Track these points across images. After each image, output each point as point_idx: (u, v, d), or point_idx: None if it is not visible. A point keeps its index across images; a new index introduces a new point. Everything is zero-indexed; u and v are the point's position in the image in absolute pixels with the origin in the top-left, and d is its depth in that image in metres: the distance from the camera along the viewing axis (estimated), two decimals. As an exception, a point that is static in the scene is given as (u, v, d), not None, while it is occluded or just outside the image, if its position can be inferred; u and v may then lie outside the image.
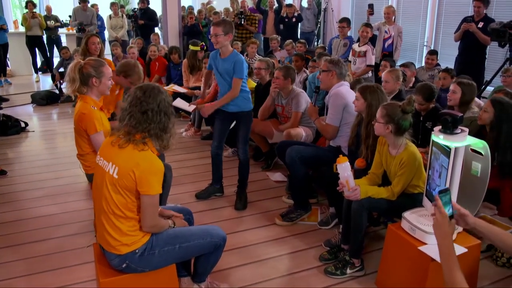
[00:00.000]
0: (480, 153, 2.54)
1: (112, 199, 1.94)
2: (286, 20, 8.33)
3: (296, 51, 6.53)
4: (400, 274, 2.44)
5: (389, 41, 6.13)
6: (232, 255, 2.88)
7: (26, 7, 8.66)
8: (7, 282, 2.61)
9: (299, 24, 8.67)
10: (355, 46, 5.69)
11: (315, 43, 8.98)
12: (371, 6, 6.71)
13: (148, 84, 2.06)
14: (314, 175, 3.46)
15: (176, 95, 5.39)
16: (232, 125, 3.66)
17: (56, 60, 9.10)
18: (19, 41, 9.00)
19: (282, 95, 4.15)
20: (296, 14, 8.36)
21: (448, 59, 6.07)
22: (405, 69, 4.55)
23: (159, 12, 8.97)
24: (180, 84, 6.12)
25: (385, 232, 2.75)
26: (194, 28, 8.16)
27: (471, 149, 2.58)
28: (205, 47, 6.15)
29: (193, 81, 6.07)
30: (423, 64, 5.68)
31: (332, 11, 9.07)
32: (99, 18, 9.00)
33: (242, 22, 8.10)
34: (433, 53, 5.44)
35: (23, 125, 5.75)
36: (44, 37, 8.87)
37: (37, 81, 9.08)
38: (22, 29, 8.96)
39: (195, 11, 8.82)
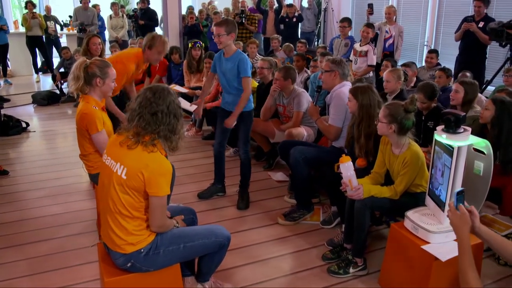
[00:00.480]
0: (482, 152, 2.55)
1: (119, 199, 1.95)
2: (287, 20, 8.33)
3: (297, 51, 6.53)
4: (403, 273, 2.44)
5: (390, 41, 6.13)
6: (234, 254, 2.88)
7: (26, 7, 8.66)
8: (10, 282, 2.61)
9: (300, 24, 8.68)
10: (357, 45, 5.69)
11: (315, 43, 8.99)
12: (370, 6, 6.72)
13: (158, 85, 2.05)
14: (316, 175, 3.46)
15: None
16: (234, 123, 3.66)
17: (55, 61, 9.11)
18: (19, 42, 8.99)
19: (284, 95, 4.15)
20: (296, 14, 8.36)
21: (448, 58, 6.07)
22: (407, 68, 4.55)
23: (159, 12, 8.97)
24: (182, 84, 6.12)
25: (387, 231, 2.76)
26: (195, 28, 8.15)
27: (473, 148, 2.59)
28: (202, 45, 6.12)
29: (194, 81, 6.07)
30: (424, 64, 5.69)
31: (333, 11, 9.07)
32: (100, 18, 8.99)
33: (243, 21, 8.10)
34: (432, 52, 5.44)
35: (24, 125, 5.75)
36: (44, 37, 8.87)
37: (38, 81, 9.06)
38: (22, 29, 8.96)
39: (196, 11, 8.82)
